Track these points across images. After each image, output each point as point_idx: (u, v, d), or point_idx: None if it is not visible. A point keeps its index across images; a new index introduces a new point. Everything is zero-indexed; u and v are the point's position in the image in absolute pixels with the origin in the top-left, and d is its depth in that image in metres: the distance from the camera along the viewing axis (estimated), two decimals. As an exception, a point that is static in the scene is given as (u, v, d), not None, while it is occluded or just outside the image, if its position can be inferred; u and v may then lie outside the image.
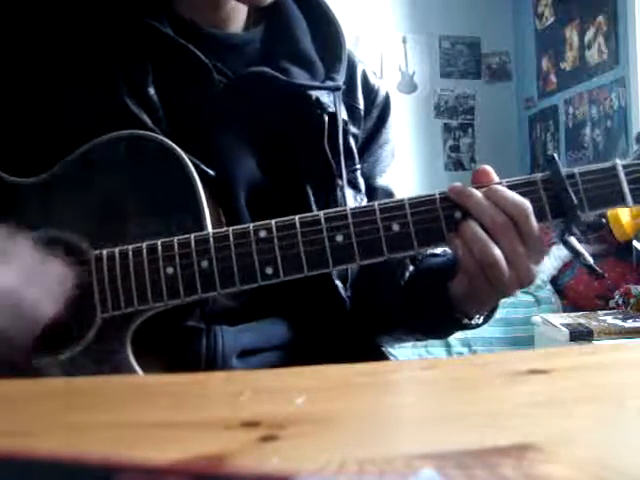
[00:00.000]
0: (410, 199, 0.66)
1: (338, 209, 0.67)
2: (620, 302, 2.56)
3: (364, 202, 0.83)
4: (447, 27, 3.89)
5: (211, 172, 0.70)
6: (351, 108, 0.84)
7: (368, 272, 0.81)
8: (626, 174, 0.66)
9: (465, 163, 3.97)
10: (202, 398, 0.43)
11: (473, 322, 0.74)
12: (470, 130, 3.98)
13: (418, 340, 0.87)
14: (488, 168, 0.68)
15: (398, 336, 0.87)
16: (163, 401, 0.42)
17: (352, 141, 0.83)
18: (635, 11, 2.93)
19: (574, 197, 0.65)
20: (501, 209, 0.64)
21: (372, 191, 0.86)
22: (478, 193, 0.65)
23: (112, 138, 0.68)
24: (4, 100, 0.74)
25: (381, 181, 0.87)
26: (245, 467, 0.29)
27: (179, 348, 0.71)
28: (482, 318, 0.75)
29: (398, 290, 0.79)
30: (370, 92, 0.88)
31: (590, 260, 0.70)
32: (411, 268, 0.80)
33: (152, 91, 0.73)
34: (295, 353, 0.77)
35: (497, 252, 0.63)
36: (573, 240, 0.68)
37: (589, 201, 0.66)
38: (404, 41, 3.88)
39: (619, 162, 0.66)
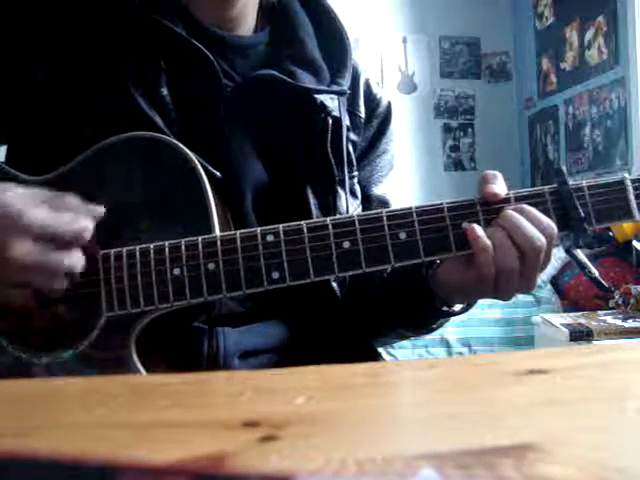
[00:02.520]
0: (418, 208, 0.65)
1: (345, 215, 0.67)
2: (620, 302, 2.55)
3: (359, 209, 0.83)
4: (447, 27, 3.89)
5: (218, 174, 0.70)
6: (352, 116, 0.84)
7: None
8: (634, 189, 0.66)
9: (465, 163, 3.96)
10: (202, 398, 0.43)
11: (451, 310, 0.74)
12: (470, 130, 3.98)
13: (404, 337, 0.87)
14: (497, 174, 0.67)
15: (389, 332, 0.86)
16: (163, 401, 0.42)
17: (351, 148, 0.83)
18: (635, 11, 2.93)
19: (581, 211, 0.65)
20: (542, 230, 0.64)
21: (368, 200, 0.86)
22: (521, 217, 0.65)
23: (122, 139, 0.68)
24: (15, 99, 0.74)
25: (377, 190, 0.87)
26: (245, 467, 0.29)
27: (182, 348, 0.71)
28: (460, 307, 0.75)
29: (380, 284, 0.79)
30: (372, 101, 0.88)
31: (595, 273, 0.70)
32: None
33: (165, 91, 0.73)
34: (296, 354, 0.77)
35: (517, 261, 0.63)
36: (579, 253, 0.68)
37: (596, 215, 0.66)
38: (404, 41, 3.88)
39: (627, 177, 0.66)
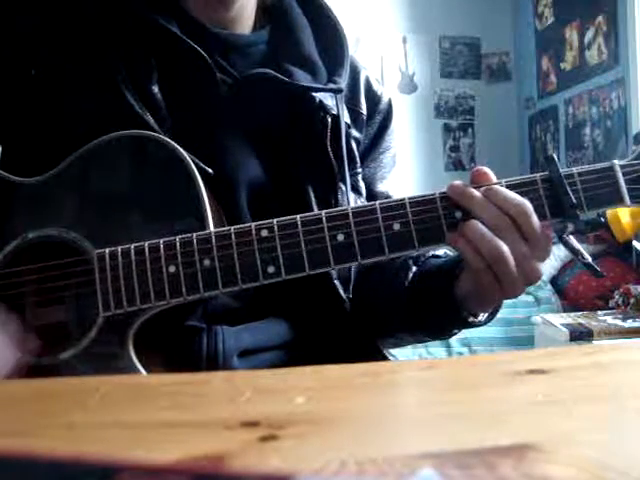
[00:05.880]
0: (411, 198, 0.66)
1: (339, 208, 0.67)
2: (620, 302, 2.56)
3: None
4: (447, 27, 3.89)
5: (210, 170, 0.70)
6: (354, 113, 0.84)
7: (371, 274, 0.81)
8: (624, 174, 0.66)
9: (465, 163, 3.96)
10: (202, 398, 0.43)
11: (477, 320, 0.74)
12: (470, 130, 3.98)
13: (420, 341, 0.87)
14: (486, 169, 0.67)
15: (400, 338, 0.87)
16: (163, 401, 0.42)
17: (354, 145, 0.83)
18: (635, 11, 2.93)
19: (573, 197, 0.65)
20: (502, 210, 0.64)
21: (372, 197, 0.86)
22: (479, 194, 0.65)
23: (114, 138, 0.68)
24: (7, 99, 0.74)
25: (381, 187, 0.88)
26: (245, 467, 0.29)
27: (180, 347, 0.71)
28: (485, 316, 0.75)
29: (402, 292, 0.79)
30: (373, 98, 0.88)
31: (589, 258, 0.70)
32: (414, 269, 0.80)
33: (156, 89, 0.73)
34: (295, 353, 0.77)
35: (504, 247, 0.63)
36: (572, 239, 0.68)
37: (588, 201, 0.66)
38: (404, 41, 3.88)
39: (617, 162, 0.67)
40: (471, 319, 0.73)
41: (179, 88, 0.75)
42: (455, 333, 0.80)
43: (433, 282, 0.75)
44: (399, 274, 0.80)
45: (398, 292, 0.79)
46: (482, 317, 0.75)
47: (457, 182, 0.66)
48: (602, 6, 3.12)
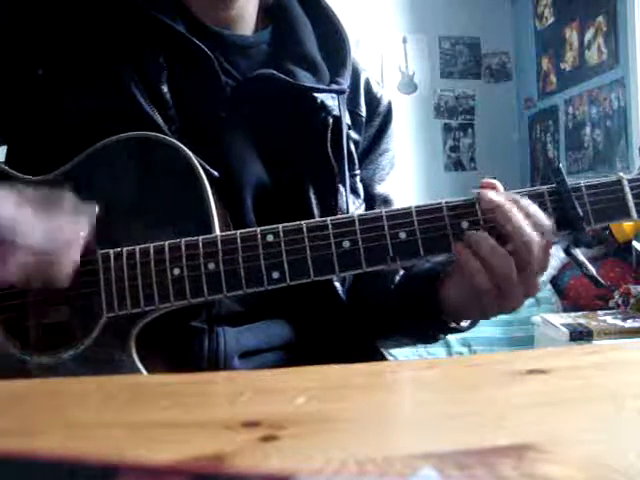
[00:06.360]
0: (417, 207, 0.66)
1: (345, 215, 0.67)
2: (620, 302, 2.55)
3: (362, 208, 0.83)
4: (447, 27, 3.89)
5: (215, 173, 0.70)
6: (353, 114, 0.84)
7: (363, 276, 0.81)
8: (631, 188, 0.66)
9: (465, 163, 3.96)
10: (202, 398, 0.43)
11: (459, 326, 0.74)
12: (470, 130, 3.97)
13: (408, 345, 0.87)
14: (496, 182, 0.67)
15: (392, 339, 0.86)
16: (163, 401, 0.42)
17: (353, 147, 0.83)
18: (635, 11, 2.92)
19: (580, 210, 0.65)
20: (533, 224, 0.63)
21: (370, 198, 0.86)
22: (513, 208, 0.63)
23: (121, 138, 0.68)
24: (15, 98, 0.74)
25: (379, 189, 0.87)
26: (245, 467, 0.29)
27: (182, 348, 0.71)
28: (468, 322, 0.75)
29: (389, 293, 0.79)
30: (373, 100, 0.88)
31: (593, 271, 0.70)
32: (401, 272, 0.80)
33: (165, 89, 0.73)
34: (296, 354, 0.77)
35: (514, 265, 0.63)
36: (577, 252, 0.68)
37: (594, 214, 0.66)
38: (404, 41, 3.88)
39: (624, 176, 0.67)
40: (453, 324, 0.73)
41: (187, 88, 0.75)
42: (440, 338, 0.79)
43: (417, 286, 0.75)
44: (387, 276, 0.80)
45: (385, 294, 0.79)
46: (465, 322, 0.74)
47: (489, 192, 0.65)
48: (602, 6, 3.12)
